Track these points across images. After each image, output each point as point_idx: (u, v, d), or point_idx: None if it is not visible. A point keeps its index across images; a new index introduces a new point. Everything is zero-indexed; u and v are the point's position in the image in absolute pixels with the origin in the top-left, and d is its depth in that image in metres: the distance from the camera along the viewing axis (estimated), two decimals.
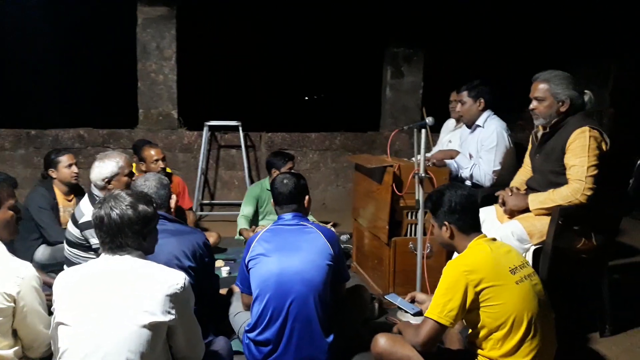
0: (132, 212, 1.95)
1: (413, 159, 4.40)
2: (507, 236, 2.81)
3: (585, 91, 2.96)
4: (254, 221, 4.33)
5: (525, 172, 3.26)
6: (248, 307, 2.64)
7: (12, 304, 2.03)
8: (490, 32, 7.35)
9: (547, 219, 2.83)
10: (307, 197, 2.70)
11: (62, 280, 1.95)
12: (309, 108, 8.12)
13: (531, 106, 2.99)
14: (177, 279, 1.94)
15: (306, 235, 2.54)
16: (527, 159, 3.26)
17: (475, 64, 7.29)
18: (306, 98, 9.78)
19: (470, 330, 2.31)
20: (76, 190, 3.98)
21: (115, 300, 1.86)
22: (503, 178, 3.56)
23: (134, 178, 3.28)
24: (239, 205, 5.94)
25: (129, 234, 1.94)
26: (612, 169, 2.82)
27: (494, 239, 2.33)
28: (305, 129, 6.35)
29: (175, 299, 1.90)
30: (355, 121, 6.82)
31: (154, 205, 2.07)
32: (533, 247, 2.83)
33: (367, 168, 3.44)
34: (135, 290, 1.87)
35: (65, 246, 3.23)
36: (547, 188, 2.91)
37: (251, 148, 6.15)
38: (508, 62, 7.23)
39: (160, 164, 4.14)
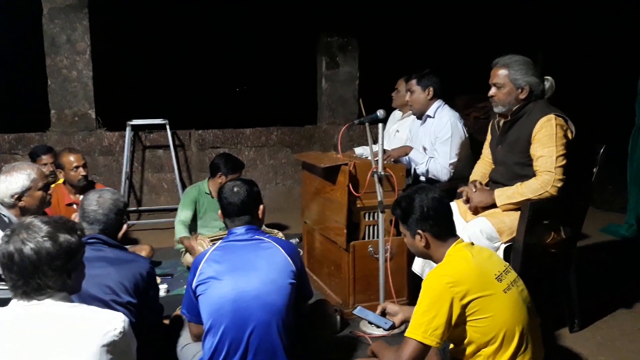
0: (52, 245, 1.54)
1: (357, 151, 4.22)
2: (476, 235, 2.62)
3: (547, 77, 2.82)
4: (192, 227, 3.92)
5: (485, 165, 3.10)
6: (198, 337, 2.27)
7: None
8: (426, 20, 7.27)
9: (516, 215, 2.67)
10: (261, 206, 2.36)
11: None
12: (242, 102, 7.68)
13: (490, 93, 2.83)
14: (115, 323, 1.56)
15: (263, 251, 2.20)
16: (486, 150, 3.10)
17: (413, 53, 7.19)
18: (237, 90, 9.31)
19: (452, 346, 2.09)
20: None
21: (38, 359, 1.46)
22: (459, 170, 3.40)
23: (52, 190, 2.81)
24: (171, 210, 5.54)
25: (48, 273, 1.53)
26: (577, 158, 2.70)
27: (472, 243, 2.12)
28: (239, 124, 5.95)
29: (113, 349, 1.53)
30: (291, 114, 6.50)
31: (79, 232, 1.67)
32: (503, 245, 2.67)
33: (319, 167, 3.15)
34: (61, 345, 1.48)
35: None
36: (513, 181, 2.75)
37: (180, 147, 5.68)
38: (444, 50, 7.18)
39: (81, 172, 3.66)
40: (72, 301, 1.61)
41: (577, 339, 2.80)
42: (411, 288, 3.13)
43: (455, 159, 3.36)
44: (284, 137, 5.98)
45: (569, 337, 2.82)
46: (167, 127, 5.27)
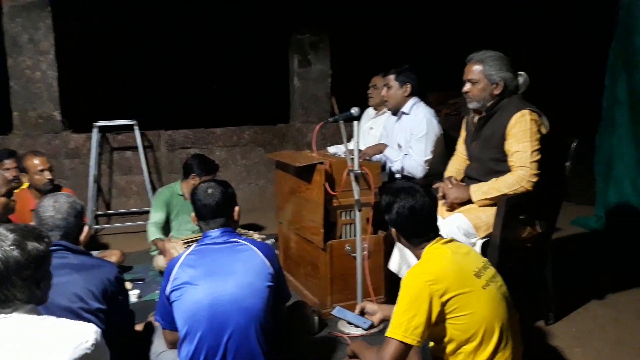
0: (20, 253, 1.47)
1: (331, 150, 4.18)
2: (453, 231, 2.62)
3: (520, 73, 2.84)
4: (165, 229, 3.82)
5: (459, 161, 3.10)
6: (173, 344, 2.20)
7: None
8: (397, 18, 7.28)
9: (492, 210, 2.68)
10: (236, 208, 2.30)
11: None
12: (212, 102, 7.53)
13: (464, 89, 2.83)
14: (86, 335, 1.49)
15: (239, 254, 2.13)
16: (460, 147, 3.11)
17: (385, 51, 7.19)
18: (214, 87, 9.14)
19: (432, 344, 2.08)
20: None
21: None
22: (434, 167, 3.40)
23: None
24: (141, 213, 5.41)
25: (17, 283, 1.46)
26: (551, 153, 2.72)
27: (451, 240, 2.11)
28: (210, 124, 5.85)
29: None
30: (263, 113, 6.42)
31: (46, 240, 1.59)
32: (480, 241, 2.67)
33: (294, 166, 3.10)
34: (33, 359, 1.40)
35: None
36: (488, 176, 2.76)
37: (149, 149, 5.55)
38: (416, 47, 7.20)
39: (47, 175, 3.53)
40: (40, 313, 1.54)
41: (553, 331, 2.83)
42: (388, 286, 3.12)
43: (430, 156, 3.35)
44: (256, 136, 5.91)
45: (546, 330, 2.84)
46: (136, 128, 5.14)
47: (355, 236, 3.04)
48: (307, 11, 5.87)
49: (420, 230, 2.06)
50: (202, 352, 1.99)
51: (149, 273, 3.81)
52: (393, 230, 2.13)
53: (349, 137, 3.72)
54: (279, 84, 6.53)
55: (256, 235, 3.68)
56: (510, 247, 2.67)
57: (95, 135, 5.07)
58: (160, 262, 3.61)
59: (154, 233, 3.67)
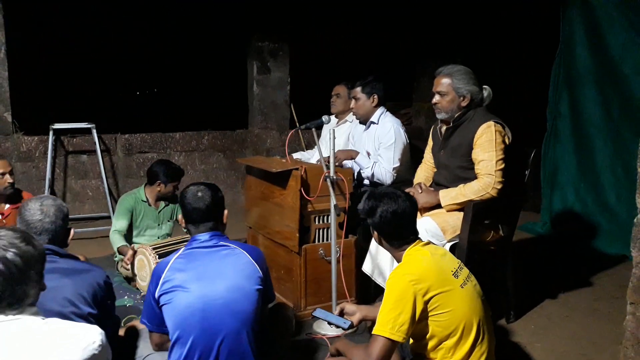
0: (33, 249, 1.49)
1: (295, 156, 4.26)
2: (422, 234, 2.71)
3: (485, 87, 3.02)
4: (128, 237, 3.76)
5: (427, 168, 3.26)
6: (159, 347, 2.21)
7: None
8: (354, 27, 7.45)
9: (459, 214, 2.85)
10: (225, 211, 2.32)
11: None
12: (169, 106, 7.45)
13: (433, 100, 3.00)
14: (93, 337, 1.51)
15: (230, 258, 2.16)
16: (428, 155, 3.27)
17: (343, 59, 7.35)
18: (155, 90, 9.02)
19: (412, 341, 2.20)
20: None
21: None
22: (401, 174, 3.55)
23: None
24: (96, 219, 5.28)
25: (33, 277, 1.48)
26: (512, 161, 2.93)
27: (428, 242, 2.25)
28: (168, 128, 5.80)
29: None
30: (221, 118, 6.43)
31: (38, 239, 1.61)
32: (448, 244, 2.83)
33: (270, 172, 3.16)
34: None
35: None
36: (455, 183, 2.93)
37: (105, 152, 5.44)
38: (372, 56, 7.40)
39: (8, 179, 3.40)
40: (42, 316, 1.53)
41: (514, 328, 3.03)
42: (360, 288, 3.23)
43: (398, 164, 3.50)
44: (215, 141, 5.91)
45: (507, 328, 3.04)
46: (94, 131, 5.02)
47: (327, 240, 3.15)
48: (267, 18, 5.94)
49: (402, 233, 2.17)
50: (195, 356, 2.02)
51: (114, 279, 3.74)
52: (375, 233, 2.23)
53: (308, 145, 3.81)
54: (238, 90, 6.55)
55: None
56: (476, 249, 2.84)
57: (51, 137, 4.92)
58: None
59: (117, 241, 3.61)
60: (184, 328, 2.03)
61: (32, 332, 1.45)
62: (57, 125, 4.95)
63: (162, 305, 2.09)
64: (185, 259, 2.15)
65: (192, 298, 2.04)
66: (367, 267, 3.06)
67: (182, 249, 2.22)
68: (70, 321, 1.58)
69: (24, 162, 5.10)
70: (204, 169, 5.86)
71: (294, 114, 6.38)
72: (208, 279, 2.08)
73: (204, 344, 2.03)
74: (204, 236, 2.20)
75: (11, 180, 3.44)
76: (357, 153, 3.62)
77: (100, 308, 2.04)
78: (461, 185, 2.86)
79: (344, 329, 2.51)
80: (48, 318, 1.54)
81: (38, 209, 2.08)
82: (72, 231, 2.19)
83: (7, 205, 3.51)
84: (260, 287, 2.17)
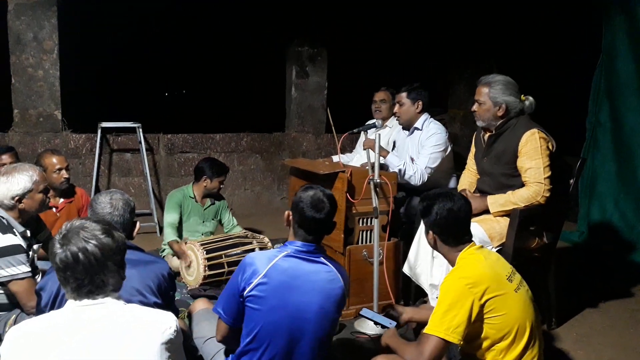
0: (112, 241, 1.58)
1: (335, 159, 4.33)
2: None
3: (527, 97, 3.06)
4: (178, 230, 3.90)
5: (471, 175, 3.31)
6: (225, 339, 2.19)
7: None
8: (391, 34, 7.52)
9: (505, 221, 2.89)
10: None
11: (17, 338, 1.50)
12: (211, 108, 7.63)
13: (472, 108, 3.06)
14: (169, 322, 1.61)
15: (325, 277, 2.07)
16: (471, 162, 3.31)
17: (380, 65, 7.42)
18: (183, 92, 9.21)
19: (460, 343, 2.24)
20: None
21: (102, 358, 1.48)
22: (438, 180, 3.59)
23: None
24: (140, 215, 5.43)
25: (112, 268, 1.57)
26: (556, 169, 2.95)
27: (482, 247, 2.29)
28: (208, 129, 5.95)
29: (171, 347, 1.58)
30: (259, 121, 6.56)
31: (121, 231, 1.71)
32: (494, 250, 2.87)
33: (317, 174, 3.25)
34: (126, 343, 1.51)
35: None
36: (499, 190, 2.97)
37: (148, 151, 5.60)
38: (406, 61, 7.45)
39: (64, 174, 3.55)
40: (125, 301, 1.64)
41: (556, 335, 3.06)
42: (401, 289, 3.30)
43: (433, 165, 3.54)
44: (253, 143, 6.02)
45: (549, 334, 3.06)
46: (140, 130, 5.19)
47: (371, 242, 3.21)
48: (306, 24, 6.05)
49: (458, 232, 2.21)
50: None
51: None
52: (430, 233, 2.26)
53: (343, 149, 3.86)
54: (276, 93, 6.67)
55: (266, 240, 3.81)
56: (520, 256, 2.88)
57: (99, 135, 5.09)
58: (174, 262, 3.69)
59: (170, 235, 3.75)
60: (265, 340, 2.01)
61: (115, 316, 1.55)
62: (105, 124, 5.13)
63: (249, 306, 2.03)
64: (286, 264, 2.04)
65: (285, 315, 1.99)
66: (407, 269, 3.12)
67: (283, 253, 2.08)
68: (147, 307, 1.68)
69: (72, 158, 5.27)
70: (242, 170, 5.98)
71: (330, 118, 6.48)
72: (303, 298, 2.02)
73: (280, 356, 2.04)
74: (309, 247, 2.09)
75: (67, 176, 3.59)
76: (387, 152, 3.67)
77: (164, 298, 2.15)
78: (509, 192, 2.90)
79: (389, 329, 2.56)
80: (131, 303, 1.64)
81: (108, 203, 2.19)
82: (138, 224, 2.30)
83: (61, 200, 3.66)
84: (339, 314, 2.15)
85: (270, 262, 2.03)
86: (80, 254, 1.52)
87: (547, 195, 2.82)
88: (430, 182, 3.57)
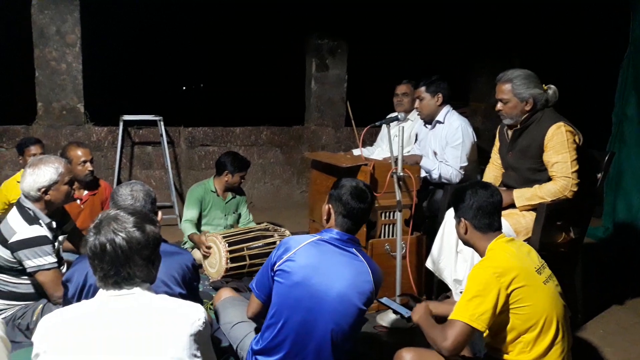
0: (141, 235, 1.57)
1: (355, 153, 4.31)
2: None
3: (550, 86, 2.99)
4: (197, 225, 3.92)
5: (495, 169, 3.26)
6: (255, 315, 2.23)
7: None
8: (412, 26, 7.46)
9: (531, 215, 2.84)
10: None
11: (51, 327, 1.52)
12: (230, 101, 7.65)
13: (497, 107, 3.00)
14: (198, 314, 1.61)
15: (353, 268, 2.09)
16: (495, 156, 3.26)
17: (400, 58, 7.36)
18: (201, 85, 9.25)
19: (487, 335, 2.21)
20: None
21: (131, 349, 1.48)
22: (467, 174, 3.55)
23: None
24: (161, 208, 5.45)
25: (138, 262, 1.57)
26: (583, 162, 2.90)
27: (512, 239, 2.26)
28: (227, 123, 5.96)
29: (199, 338, 1.58)
30: (278, 114, 6.55)
31: (157, 224, 1.70)
32: None
33: (337, 167, 3.23)
34: (154, 334, 1.51)
35: None
36: (525, 185, 2.92)
37: (169, 144, 5.63)
38: (426, 54, 7.38)
39: (89, 166, 3.60)
40: (154, 292, 1.64)
41: (582, 331, 3.01)
42: (423, 283, 3.28)
43: (465, 163, 3.50)
44: (273, 136, 6.02)
45: (575, 331, 3.00)
46: (161, 123, 5.22)
47: (393, 236, 3.19)
48: (327, 17, 6.01)
49: (490, 222, 2.19)
50: (286, 343, 2.05)
51: None
52: (462, 222, 2.22)
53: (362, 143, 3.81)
54: (295, 86, 6.65)
55: (287, 233, 3.81)
56: (546, 250, 2.83)
57: (121, 128, 5.14)
58: (196, 255, 3.70)
59: (189, 228, 3.77)
60: (286, 317, 2.05)
61: (144, 307, 1.56)
62: (127, 117, 5.17)
63: (276, 279, 2.09)
64: (316, 248, 2.10)
65: (305, 292, 2.03)
66: (430, 263, 3.09)
67: (317, 237, 2.15)
68: (175, 299, 1.68)
69: (94, 151, 5.24)
70: (262, 163, 5.98)
71: (350, 111, 6.46)
72: (327, 279, 2.05)
73: (299, 340, 2.06)
74: (343, 235, 2.14)
75: (91, 168, 3.63)
76: (420, 157, 3.63)
77: (189, 289, 2.16)
78: (536, 186, 2.85)
79: (404, 317, 2.53)
80: (160, 294, 1.64)
81: (129, 194, 2.21)
82: (160, 214, 2.30)
83: (85, 192, 3.71)
84: (365, 307, 2.13)
85: (303, 243, 2.10)
86: (107, 245, 1.53)
87: (575, 189, 2.76)
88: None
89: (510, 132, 3.08)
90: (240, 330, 2.29)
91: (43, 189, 2.63)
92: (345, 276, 2.07)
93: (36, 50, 5.09)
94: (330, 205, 2.21)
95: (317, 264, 2.07)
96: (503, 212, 2.89)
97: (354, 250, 2.14)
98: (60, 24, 5.11)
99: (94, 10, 5.38)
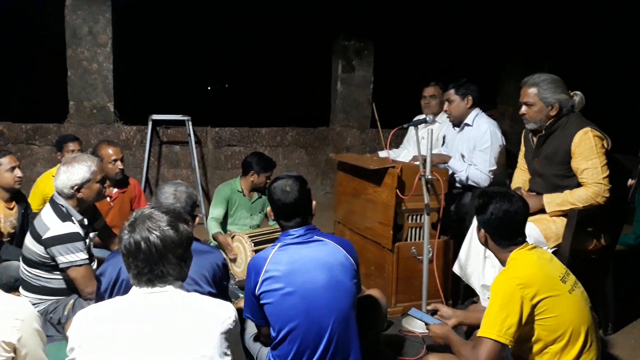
0: (175, 234, 1.60)
1: (382, 155, 4.29)
2: None
3: (576, 92, 2.94)
4: (223, 224, 3.95)
5: (523, 173, 3.20)
6: (268, 339, 2.23)
7: (12, 354, 1.60)
8: (439, 28, 7.41)
9: (561, 221, 2.80)
10: (313, 203, 2.31)
11: (86, 321, 1.55)
12: (256, 101, 7.71)
13: (521, 111, 2.95)
14: (229, 312, 1.62)
15: (325, 253, 2.13)
16: (522, 160, 3.21)
17: (426, 60, 7.32)
18: (226, 86, 9.32)
19: (511, 345, 2.18)
20: (18, 196, 3.40)
21: (163, 346, 1.50)
22: (496, 177, 3.51)
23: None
24: None
25: (172, 261, 1.59)
26: (612, 167, 2.83)
27: (535, 246, 2.22)
28: (252, 123, 6.00)
29: (229, 337, 1.59)
30: (302, 115, 6.57)
31: (190, 223, 1.72)
32: (550, 251, 2.78)
33: (363, 169, 3.22)
34: (185, 331, 1.53)
35: (22, 266, 2.72)
36: (553, 191, 2.88)
37: (196, 144, 5.69)
38: (453, 56, 7.32)
39: (119, 165, 3.65)
40: (186, 290, 1.66)
41: (613, 341, 2.95)
42: (450, 288, 3.25)
43: (494, 167, 3.46)
44: (298, 137, 6.04)
45: (605, 339, 2.95)
46: (189, 123, 5.28)
47: (420, 239, 3.17)
48: (354, 18, 6.01)
49: (511, 234, 2.15)
50: (306, 353, 2.06)
51: None
52: (482, 231, 2.21)
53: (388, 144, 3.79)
54: (322, 88, 6.66)
55: None
56: (577, 257, 2.78)
57: (150, 127, 5.21)
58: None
59: (214, 227, 3.80)
60: (291, 328, 2.06)
61: (178, 304, 1.58)
62: (156, 116, 5.24)
63: (264, 304, 2.10)
64: (283, 254, 2.12)
65: (295, 299, 2.05)
66: (457, 268, 3.06)
67: (278, 245, 2.18)
68: (206, 297, 1.70)
69: (123, 149, 5.33)
70: (287, 164, 6.00)
71: (375, 113, 6.45)
72: (308, 277, 2.08)
73: (313, 343, 2.07)
74: (298, 231, 2.18)
75: (121, 167, 3.68)
76: (449, 157, 3.61)
77: (218, 288, 2.18)
78: (567, 192, 2.80)
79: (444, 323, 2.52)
80: (192, 292, 1.66)
81: (172, 194, 2.24)
82: (197, 218, 2.32)
83: (115, 190, 3.76)
84: (355, 280, 2.18)
85: (268, 257, 2.11)
86: (142, 243, 1.55)
87: (607, 195, 2.71)
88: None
89: (535, 139, 3.03)
90: (257, 344, 2.33)
91: (76, 187, 2.68)
92: (321, 263, 2.11)
93: (69, 50, 5.20)
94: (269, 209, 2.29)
95: (292, 267, 2.08)
96: (532, 218, 2.88)
97: (315, 237, 2.17)
98: (92, 24, 5.21)
99: (124, 11, 5.47)
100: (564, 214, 2.79)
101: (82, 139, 5.20)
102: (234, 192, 3.99)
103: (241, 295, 3.21)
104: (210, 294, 2.11)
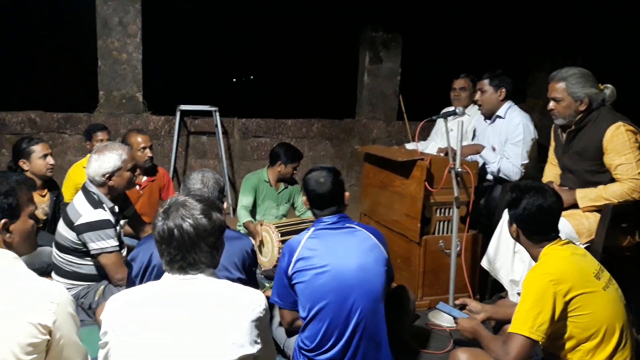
0: (208, 222, 1.61)
1: (409, 147, 4.25)
2: None
3: (607, 85, 2.86)
4: (252, 213, 3.98)
5: (555, 168, 3.15)
6: (291, 324, 2.31)
7: (47, 337, 1.63)
8: (468, 20, 7.30)
9: (594, 217, 2.74)
10: (346, 194, 2.38)
11: (119, 306, 1.57)
12: (283, 93, 7.72)
13: (550, 106, 2.89)
14: (259, 300, 1.63)
15: (357, 239, 2.23)
16: (552, 155, 3.15)
17: (452, 51, 7.22)
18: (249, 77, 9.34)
19: (542, 342, 2.14)
20: (50, 184, 3.47)
21: (194, 332, 1.52)
22: (527, 171, 3.44)
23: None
24: None
25: (204, 249, 1.60)
26: None
27: (568, 242, 2.17)
28: (277, 115, 6.00)
29: (259, 325, 1.60)
30: (328, 107, 6.55)
31: (223, 212, 1.74)
32: (582, 247, 2.72)
33: (395, 161, 3.20)
34: (216, 318, 1.54)
35: (55, 251, 2.78)
36: (584, 187, 2.82)
37: (223, 135, 5.72)
38: (482, 48, 7.21)
39: (148, 153, 3.70)
40: (217, 277, 1.67)
41: None
42: (478, 282, 3.21)
43: (527, 161, 3.39)
44: (324, 129, 6.02)
45: (639, 340, 2.88)
46: (217, 114, 5.31)
47: (448, 233, 3.14)
48: (382, 9, 5.95)
49: (544, 230, 2.11)
50: (335, 332, 2.11)
51: None
52: (513, 226, 2.18)
53: (414, 136, 3.77)
54: (348, 79, 6.63)
55: None
56: (611, 254, 2.72)
57: (178, 118, 5.26)
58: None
59: (245, 216, 3.83)
60: (321, 307, 2.12)
61: (209, 292, 1.60)
62: (184, 107, 5.28)
63: (295, 283, 2.18)
64: (317, 238, 2.23)
65: (327, 277, 2.13)
66: (485, 263, 3.02)
67: (311, 229, 2.29)
68: (237, 284, 1.71)
69: (151, 139, 5.48)
70: (312, 155, 5.99)
71: (402, 105, 6.40)
72: (340, 258, 2.17)
73: (342, 322, 2.11)
74: (331, 218, 2.27)
75: (150, 155, 3.73)
76: (482, 147, 3.55)
77: (248, 274, 2.20)
78: (601, 187, 2.74)
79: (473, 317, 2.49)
80: (223, 280, 1.67)
81: (199, 180, 2.28)
82: (225, 204, 2.34)
83: (145, 178, 3.81)
84: (386, 267, 2.24)
85: (302, 240, 2.22)
86: (175, 230, 1.57)
87: None
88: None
89: (564, 134, 2.96)
90: (284, 332, 2.36)
91: (107, 175, 2.72)
92: (354, 248, 2.19)
93: (99, 41, 5.26)
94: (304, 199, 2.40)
95: (324, 250, 2.18)
96: (565, 213, 2.82)
97: (347, 224, 2.27)
98: (122, 15, 5.25)
99: (154, 2, 5.51)
100: (597, 209, 2.73)
101: (111, 128, 5.28)
102: (261, 181, 4.01)
103: (267, 284, 3.23)
104: (239, 280, 2.13)
